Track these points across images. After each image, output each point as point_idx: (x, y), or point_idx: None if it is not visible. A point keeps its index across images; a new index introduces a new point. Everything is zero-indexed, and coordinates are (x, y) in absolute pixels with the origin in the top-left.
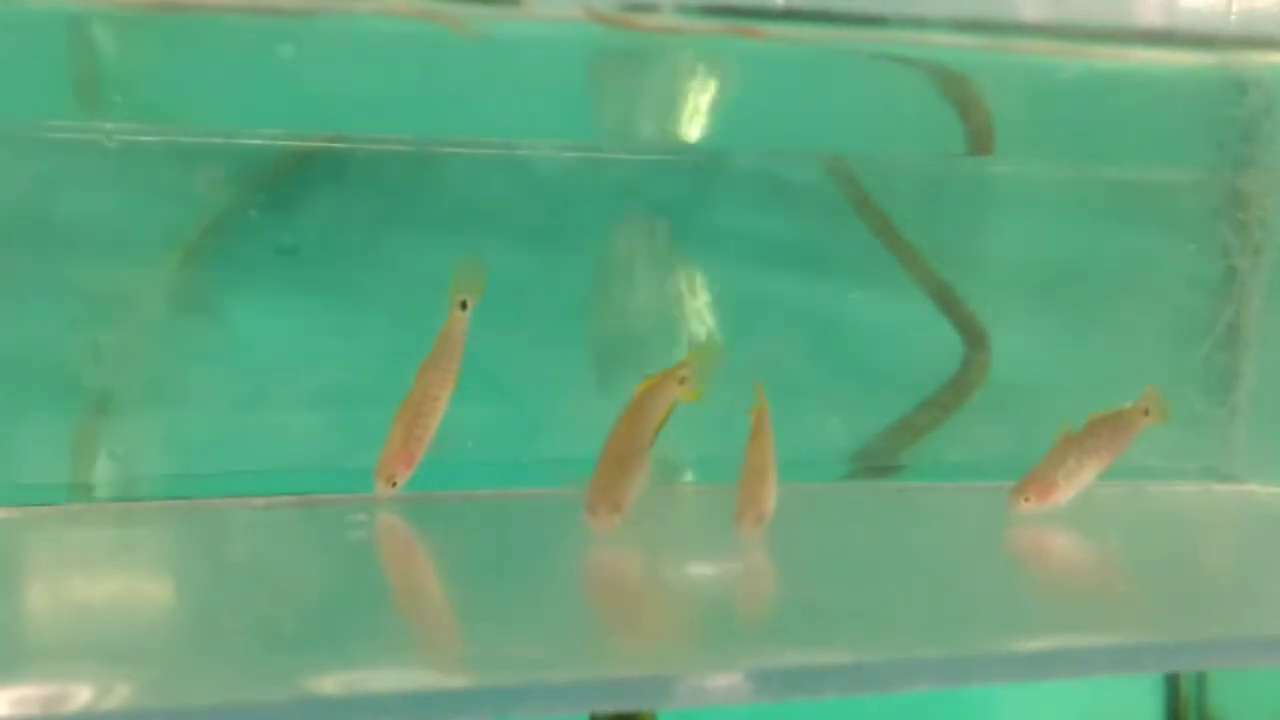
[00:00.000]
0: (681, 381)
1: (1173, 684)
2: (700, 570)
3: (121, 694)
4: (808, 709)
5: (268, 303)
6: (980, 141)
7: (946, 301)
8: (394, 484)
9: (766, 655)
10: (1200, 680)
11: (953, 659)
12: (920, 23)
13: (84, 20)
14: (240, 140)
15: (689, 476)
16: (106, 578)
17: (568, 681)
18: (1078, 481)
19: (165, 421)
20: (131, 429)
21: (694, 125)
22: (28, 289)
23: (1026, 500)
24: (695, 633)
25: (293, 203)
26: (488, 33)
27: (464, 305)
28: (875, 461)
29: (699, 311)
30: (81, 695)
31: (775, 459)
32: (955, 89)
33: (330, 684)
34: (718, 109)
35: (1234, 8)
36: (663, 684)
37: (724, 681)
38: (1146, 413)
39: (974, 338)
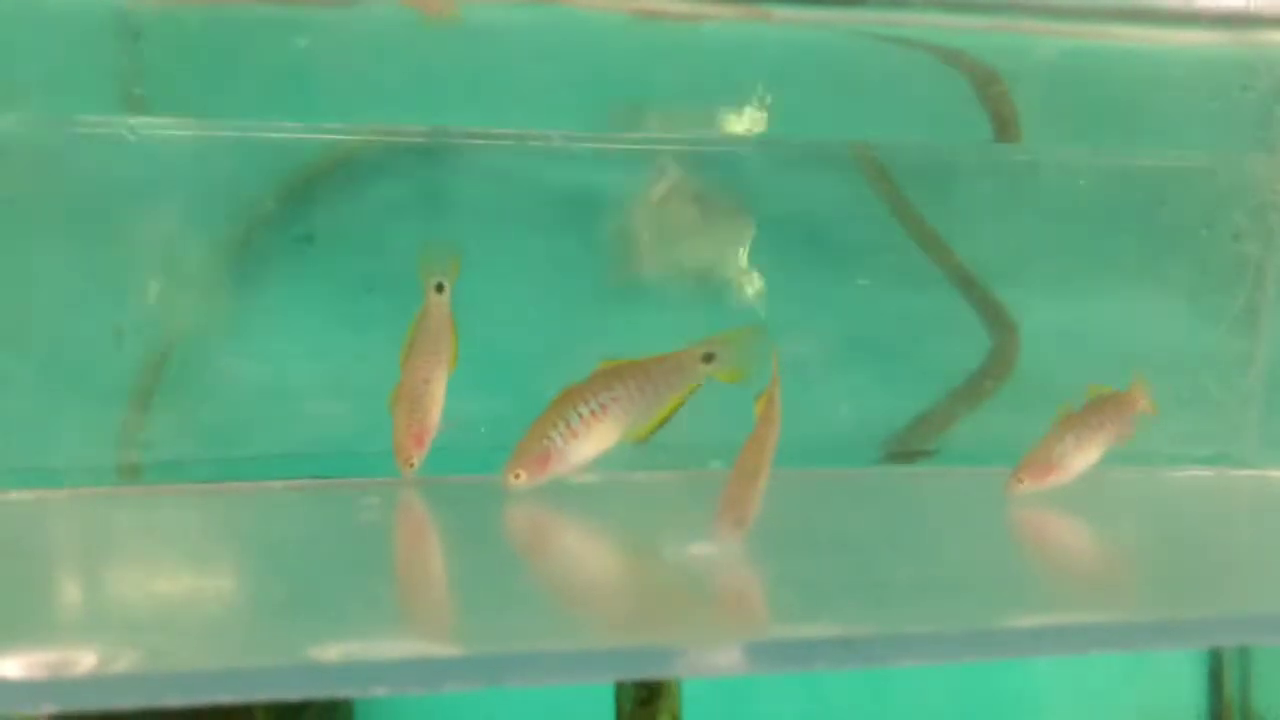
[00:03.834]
0: (707, 359)
1: (1216, 685)
2: (704, 550)
3: (127, 659)
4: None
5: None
6: (1005, 128)
7: (974, 292)
8: (411, 465)
9: (762, 628)
10: (1244, 681)
11: (945, 634)
12: (927, 3)
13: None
14: (264, 134)
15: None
16: (125, 555)
17: (562, 650)
18: (1078, 461)
19: (192, 408)
20: (160, 416)
21: (714, 113)
22: (64, 279)
23: (1020, 482)
24: (695, 608)
25: (311, 193)
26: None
27: (440, 288)
28: (906, 447)
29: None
30: (88, 660)
31: (772, 458)
32: (978, 75)
33: (330, 652)
34: (738, 97)
35: None
36: (663, 655)
37: (718, 652)
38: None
39: (1002, 328)
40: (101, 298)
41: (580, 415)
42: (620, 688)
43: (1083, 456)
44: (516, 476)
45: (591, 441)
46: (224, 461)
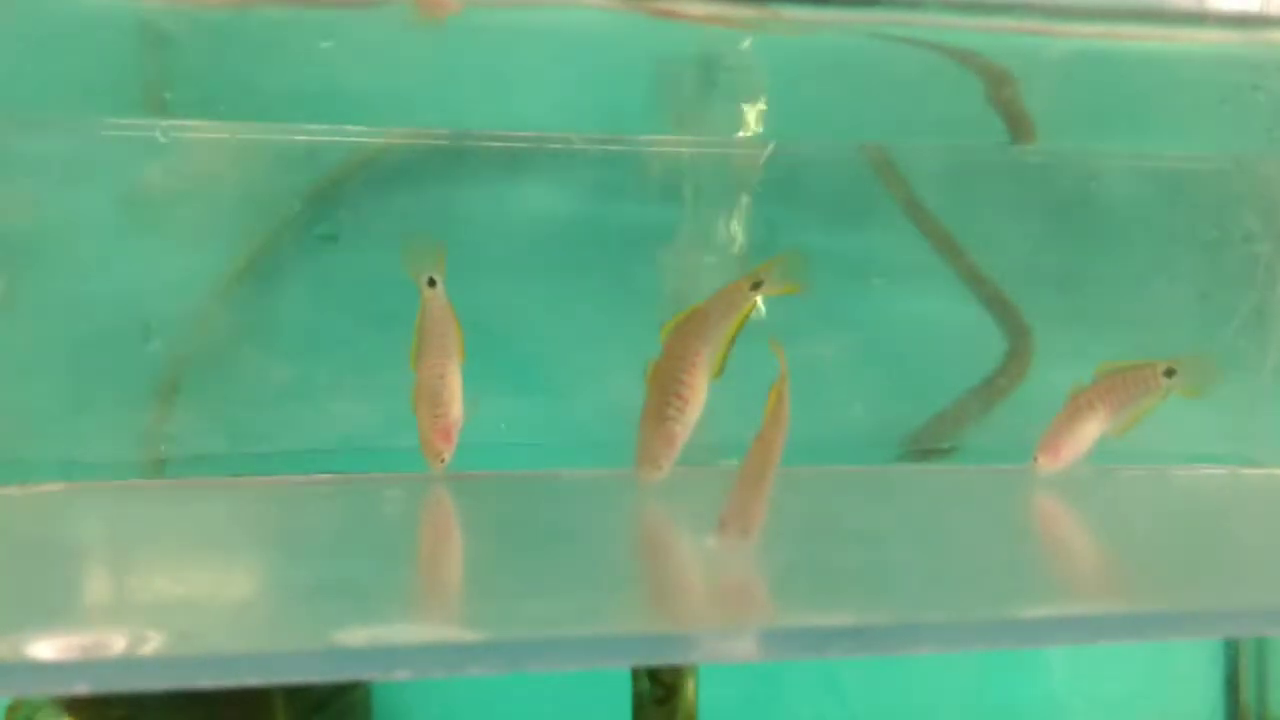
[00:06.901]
0: (755, 286)
1: (1233, 689)
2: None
3: (156, 642)
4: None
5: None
6: (1019, 130)
7: (990, 295)
8: (442, 460)
9: (777, 616)
10: (1260, 685)
11: (957, 622)
12: (938, 4)
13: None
14: (289, 136)
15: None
16: (154, 545)
17: (581, 636)
18: (1083, 438)
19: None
20: (184, 411)
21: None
22: (93, 277)
23: (1036, 462)
24: (712, 597)
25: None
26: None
27: (432, 282)
28: (923, 445)
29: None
30: (119, 643)
31: (778, 460)
32: (991, 76)
33: (355, 637)
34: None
35: None
36: (679, 641)
37: (733, 639)
38: (1169, 373)
39: (1017, 330)
40: (130, 295)
41: (682, 381)
42: (637, 686)
43: (1090, 431)
44: (659, 469)
45: (698, 400)
46: (248, 456)
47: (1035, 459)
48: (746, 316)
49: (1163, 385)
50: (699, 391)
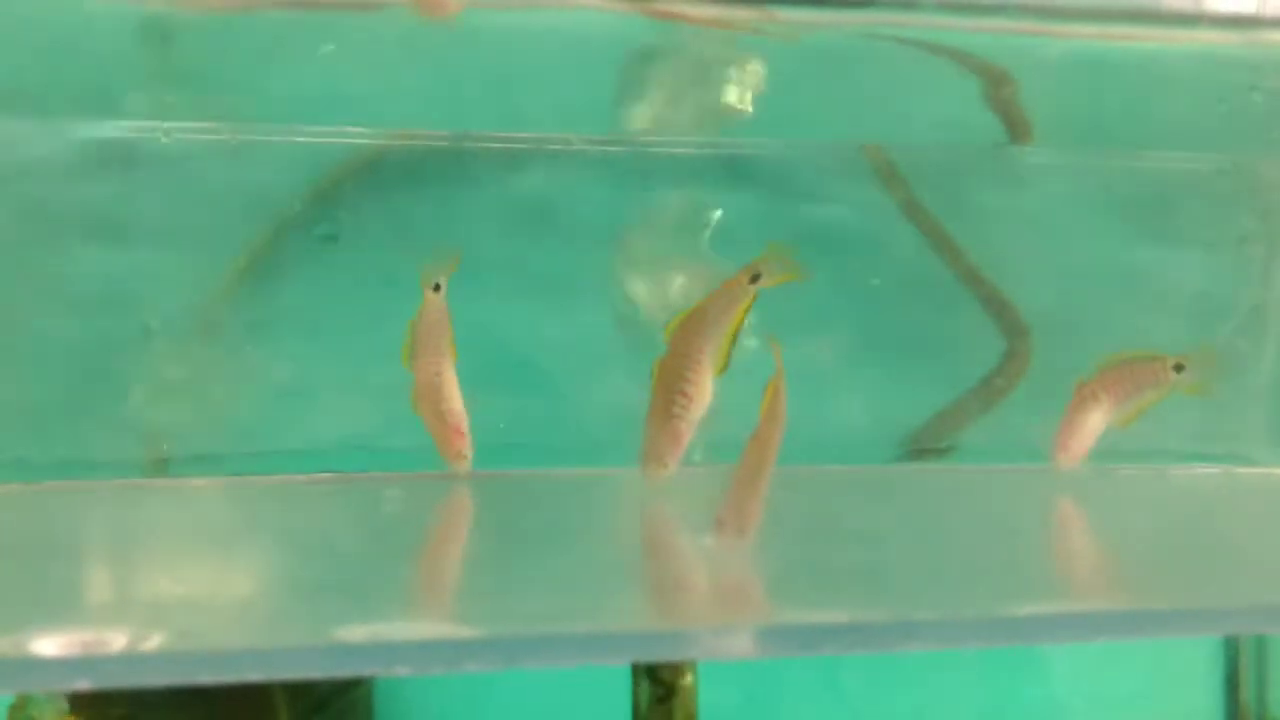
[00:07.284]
0: (754, 279)
1: (1232, 690)
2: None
3: (157, 639)
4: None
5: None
6: (1017, 131)
7: (988, 295)
8: (464, 456)
9: (774, 614)
10: (1260, 686)
11: (953, 619)
12: (934, 4)
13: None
14: (290, 138)
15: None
16: (155, 543)
17: (579, 632)
18: (1091, 429)
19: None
20: (184, 411)
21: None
22: (96, 277)
23: (1055, 461)
24: (710, 594)
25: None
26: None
27: (436, 288)
28: (923, 445)
29: None
30: (120, 639)
31: (775, 458)
32: (989, 77)
33: (355, 633)
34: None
35: None
36: (676, 638)
37: (730, 636)
38: (1178, 368)
39: (1015, 330)
40: (131, 295)
41: (687, 379)
42: (637, 686)
43: (1096, 423)
44: (665, 467)
45: (703, 397)
46: (249, 456)
47: (1054, 457)
48: (748, 310)
49: (1171, 380)
50: (704, 389)
